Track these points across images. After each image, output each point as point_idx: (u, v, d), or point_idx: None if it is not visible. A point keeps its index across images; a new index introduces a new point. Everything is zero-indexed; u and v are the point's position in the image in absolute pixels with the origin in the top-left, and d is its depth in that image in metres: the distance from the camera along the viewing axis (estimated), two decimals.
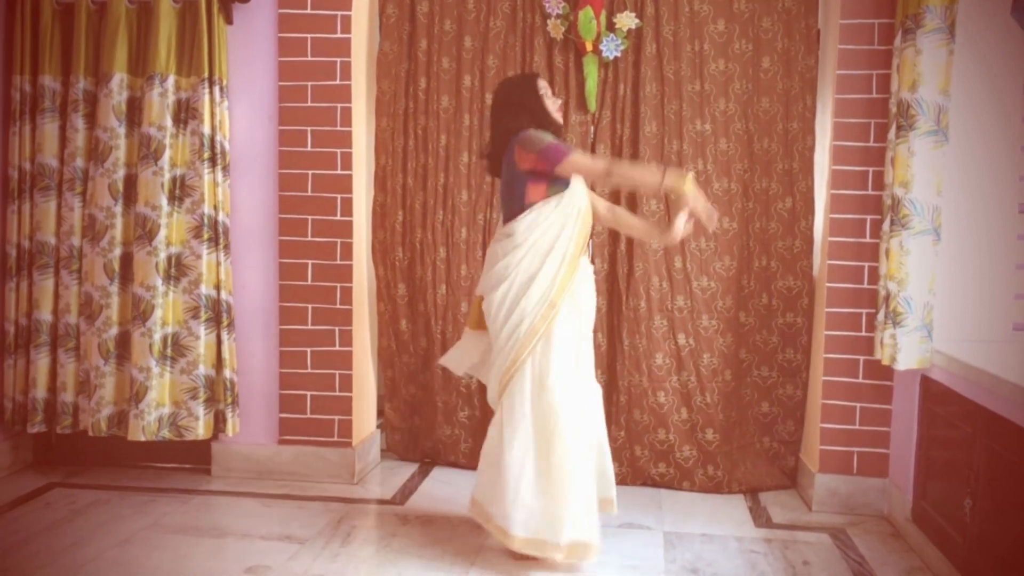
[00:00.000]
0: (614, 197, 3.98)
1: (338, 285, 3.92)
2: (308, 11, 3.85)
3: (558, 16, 3.94)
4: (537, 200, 3.02)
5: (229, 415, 3.83)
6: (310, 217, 3.91)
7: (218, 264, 3.82)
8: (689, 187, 2.87)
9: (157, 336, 3.74)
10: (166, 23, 3.75)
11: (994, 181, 3.34)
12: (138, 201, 3.76)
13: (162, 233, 3.74)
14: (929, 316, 3.25)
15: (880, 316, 3.40)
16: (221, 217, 3.82)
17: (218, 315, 3.83)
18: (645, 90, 3.93)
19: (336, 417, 3.94)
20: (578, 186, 3.10)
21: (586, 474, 3.00)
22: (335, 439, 3.95)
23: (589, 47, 3.91)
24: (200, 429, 3.80)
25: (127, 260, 3.81)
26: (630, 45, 3.95)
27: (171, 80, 3.76)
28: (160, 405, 3.76)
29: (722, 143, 3.93)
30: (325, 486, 3.90)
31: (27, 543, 3.23)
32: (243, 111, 3.91)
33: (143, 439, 3.73)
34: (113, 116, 3.78)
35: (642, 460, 3.98)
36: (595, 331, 3.56)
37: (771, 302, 3.97)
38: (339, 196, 3.90)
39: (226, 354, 3.83)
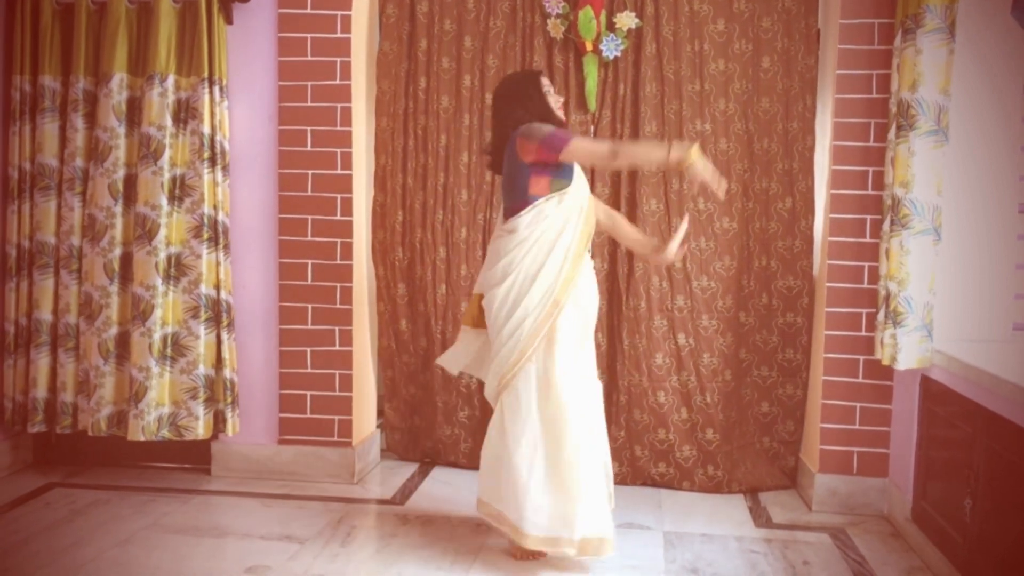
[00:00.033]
0: (614, 201, 3.98)
1: (338, 285, 3.92)
2: (308, 11, 3.85)
3: (558, 16, 3.94)
4: (540, 193, 3.01)
5: (229, 415, 3.83)
6: (310, 217, 3.91)
7: (218, 264, 3.82)
8: (695, 156, 2.85)
9: (157, 336, 3.74)
10: (166, 23, 3.75)
11: (994, 181, 3.33)
12: (138, 201, 3.76)
13: (162, 233, 3.74)
14: (929, 316, 3.25)
15: (880, 316, 3.40)
16: (221, 217, 3.81)
17: (218, 315, 3.83)
18: (645, 90, 3.93)
19: (336, 417, 3.94)
20: (580, 183, 3.10)
21: (597, 469, 3.02)
22: (335, 439, 3.95)
23: (589, 47, 3.91)
24: (200, 429, 3.80)
25: (127, 260, 3.81)
26: (630, 45, 3.95)
27: (171, 80, 3.76)
28: (160, 405, 3.76)
29: (722, 143, 3.93)
30: (325, 486, 3.90)
31: (27, 543, 3.23)
32: (243, 111, 3.91)
33: (143, 439, 3.73)
34: (113, 116, 3.78)
35: (642, 460, 3.98)
36: (595, 331, 3.56)
37: (771, 302, 3.97)
38: (339, 196, 3.90)
39: (226, 354, 3.83)
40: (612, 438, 3.74)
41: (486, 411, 3.97)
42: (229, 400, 3.83)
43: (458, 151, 4.09)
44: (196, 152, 3.76)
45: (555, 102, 3.14)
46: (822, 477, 3.69)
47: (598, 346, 3.92)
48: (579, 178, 3.11)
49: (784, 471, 4.01)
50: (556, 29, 3.95)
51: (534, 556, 3.12)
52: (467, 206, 4.10)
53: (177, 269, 3.80)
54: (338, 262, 3.91)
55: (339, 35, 3.86)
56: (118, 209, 3.80)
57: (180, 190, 3.79)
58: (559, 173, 3.03)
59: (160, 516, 3.53)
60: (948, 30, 3.16)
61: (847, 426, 3.66)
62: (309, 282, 3.92)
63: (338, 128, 3.88)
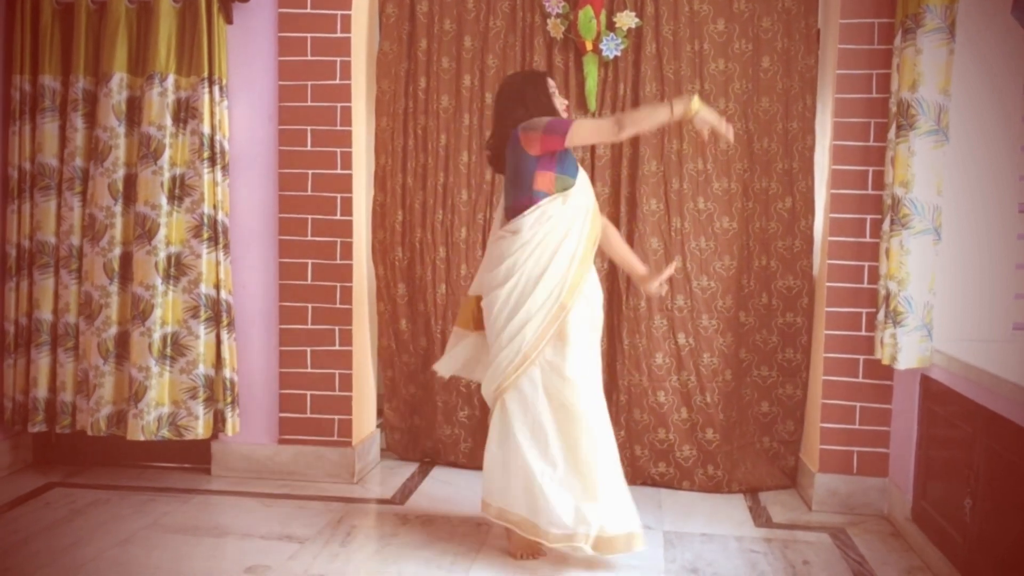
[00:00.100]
0: (614, 201, 3.99)
1: (338, 285, 3.92)
2: (308, 10, 3.85)
3: (558, 15, 3.94)
4: (544, 189, 3.01)
5: (229, 414, 3.83)
6: (310, 216, 3.91)
7: (218, 263, 3.82)
8: (698, 105, 2.90)
9: (156, 335, 3.74)
10: (166, 22, 3.74)
11: (994, 181, 3.33)
12: (138, 200, 3.76)
13: (162, 232, 3.74)
14: (929, 316, 3.25)
15: (880, 316, 3.40)
16: (221, 216, 3.81)
17: (218, 314, 3.83)
18: (645, 89, 3.93)
19: (336, 417, 3.94)
20: (585, 184, 3.10)
21: (616, 466, 3.03)
22: (335, 439, 3.95)
23: (589, 46, 3.91)
24: (200, 428, 3.80)
25: (127, 259, 3.81)
26: (630, 44, 3.95)
27: (171, 79, 3.76)
28: (159, 404, 3.76)
29: (722, 143, 3.93)
30: (325, 486, 3.90)
31: (27, 543, 3.23)
32: (243, 110, 3.91)
33: (142, 439, 3.73)
34: (113, 115, 3.77)
35: (642, 460, 3.98)
36: None
37: (771, 302, 3.97)
38: (339, 196, 3.90)
39: (226, 353, 3.82)
40: None
41: (486, 411, 3.97)
42: (229, 400, 3.83)
43: (458, 151, 4.09)
44: (196, 152, 3.76)
45: (560, 104, 3.15)
46: (822, 477, 3.69)
47: None
48: (584, 179, 3.11)
49: (784, 471, 4.01)
50: (556, 29, 3.95)
51: (534, 555, 3.12)
52: (467, 206, 4.10)
53: (177, 269, 3.80)
54: (338, 262, 3.91)
55: (339, 35, 3.86)
56: (118, 209, 3.80)
57: (180, 190, 3.79)
58: (564, 168, 3.03)
59: (160, 516, 3.53)
60: (948, 30, 3.16)
61: (847, 426, 3.66)
62: (309, 282, 3.92)
63: (338, 128, 3.88)
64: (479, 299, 3.21)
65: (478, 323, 3.25)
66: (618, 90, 3.97)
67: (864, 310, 3.62)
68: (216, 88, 3.77)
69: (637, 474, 4.00)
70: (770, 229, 3.95)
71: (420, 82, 4.11)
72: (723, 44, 3.91)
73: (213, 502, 3.71)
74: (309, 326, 3.93)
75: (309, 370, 3.94)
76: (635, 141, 3.95)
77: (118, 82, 3.78)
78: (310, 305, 3.93)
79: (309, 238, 3.91)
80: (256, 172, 3.93)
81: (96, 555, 3.13)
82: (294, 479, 3.97)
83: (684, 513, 3.68)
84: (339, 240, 3.91)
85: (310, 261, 3.92)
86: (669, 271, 3.28)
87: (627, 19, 3.88)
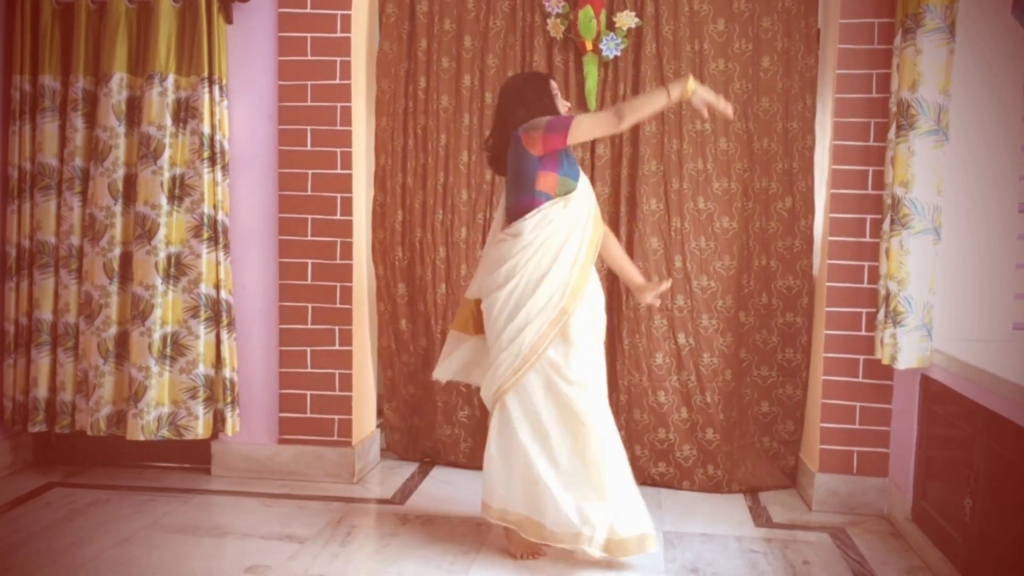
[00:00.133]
0: (614, 201, 3.99)
1: (338, 284, 3.92)
2: (308, 10, 3.85)
3: (558, 15, 3.94)
4: (547, 190, 3.01)
5: (229, 414, 3.82)
6: (310, 216, 3.91)
7: (217, 263, 3.82)
8: (694, 85, 2.92)
9: (156, 335, 3.74)
10: (166, 22, 3.74)
11: (994, 181, 3.33)
12: (138, 200, 3.76)
13: (161, 232, 3.74)
14: (929, 315, 3.25)
15: (880, 315, 3.40)
16: (220, 216, 3.81)
17: (217, 314, 3.83)
18: (645, 89, 3.93)
19: (336, 417, 3.94)
20: (587, 187, 3.11)
21: (624, 466, 3.03)
22: (335, 439, 3.95)
23: (589, 46, 3.91)
24: (199, 428, 3.80)
25: (127, 259, 3.81)
26: (630, 44, 3.95)
27: (171, 79, 3.76)
28: (159, 404, 3.76)
29: (722, 142, 3.93)
30: (325, 486, 3.90)
31: (27, 543, 3.23)
32: (243, 110, 3.91)
33: (142, 439, 3.73)
34: (113, 115, 3.77)
35: (642, 460, 3.98)
36: None
37: (771, 302, 3.97)
38: (339, 195, 3.90)
39: (226, 353, 3.82)
40: None
41: (486, 411, 3.95)
42: (229, 400, 3.83)
43: (458, 151, 4.09)
44: (196, 151, 3.76)
45: (563, 106, 3.15)
46: (822, 477, 3.69)
47: None
48: (585, 182, 3.11)
49: (784, 471, 4.01)
50: (556, 29, 3.95)
51: (534, 555, 3.12)
52: (467, 206, 4.10)
53: (177, 268, 3.80)
54: (338, 262, 3.91)
55: (339, 35, 3.86)
56: (118, 209, 3.80)
57: (180, 189, 3.79)
58: (566, 170, 3.03)
59: (160, 516, 3.53)
60: (948, 30, 3.16)
61: (847, 426, 3.66)
62: (309, 282, 3.92)
63: (338, 128, 3.88)
64: (477, 302, 3.21)
65: (477, 326, 3.24)
66: (618, 90, 3.97)
67: (864, 310, 3.62)
68: (216, 88, 3.76)
69: (637, 474, 3.96)
70: (770, 229, 3.95)
71: (420, 82, 4.11)
72: (723, 44, 3.91)
73: (213, 502, 3.72)
74: (309, 326, 3.93)
75: (309, 370, 3.94)
76: (635, 141, 3.95)
77: (118, 82, 3.78)
78: (310, 305, 3.93)
79: (309, 238, 3.91)
80: (256, 172, 3.93)
81: (96, 555, 3.13)
82: (294, 479, 3.97)
83: (684, 513, 3.68)
84: (339, 240, 3.91)
85: (310, 261, 3.92)
86: (664, 286, 3.29)
87: (627, 19, 3.88)
